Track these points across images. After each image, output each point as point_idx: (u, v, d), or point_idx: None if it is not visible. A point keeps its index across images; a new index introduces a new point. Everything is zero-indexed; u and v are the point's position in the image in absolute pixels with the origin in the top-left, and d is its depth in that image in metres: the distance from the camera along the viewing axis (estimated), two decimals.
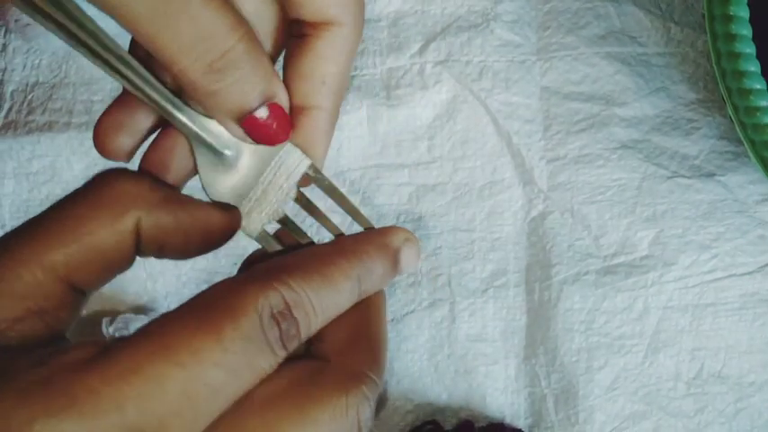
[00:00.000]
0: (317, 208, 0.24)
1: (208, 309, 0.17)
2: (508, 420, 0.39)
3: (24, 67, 0.41)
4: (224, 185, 0.23)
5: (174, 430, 0.16)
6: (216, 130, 0.22)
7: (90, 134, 0.40)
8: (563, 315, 0.39)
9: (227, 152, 0.22)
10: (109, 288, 0.40)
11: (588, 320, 0.38)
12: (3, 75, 0.41)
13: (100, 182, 0.20)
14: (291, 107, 0.22)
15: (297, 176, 0.23)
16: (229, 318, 0.17)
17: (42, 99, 0.41)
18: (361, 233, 0.23)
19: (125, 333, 0.37)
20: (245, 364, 0.17)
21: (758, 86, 0.31)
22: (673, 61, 0.40)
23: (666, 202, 0.39)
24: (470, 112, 0.40)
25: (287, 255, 0.21)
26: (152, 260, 0.39)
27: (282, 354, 0.18)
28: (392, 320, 0.39)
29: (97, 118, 0.22)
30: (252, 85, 0.20)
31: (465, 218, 0.40)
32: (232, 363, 0.17)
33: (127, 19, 0.18)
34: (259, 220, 0.23)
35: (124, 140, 0.22)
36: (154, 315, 0.40)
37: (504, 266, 0.39)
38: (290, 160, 0.23)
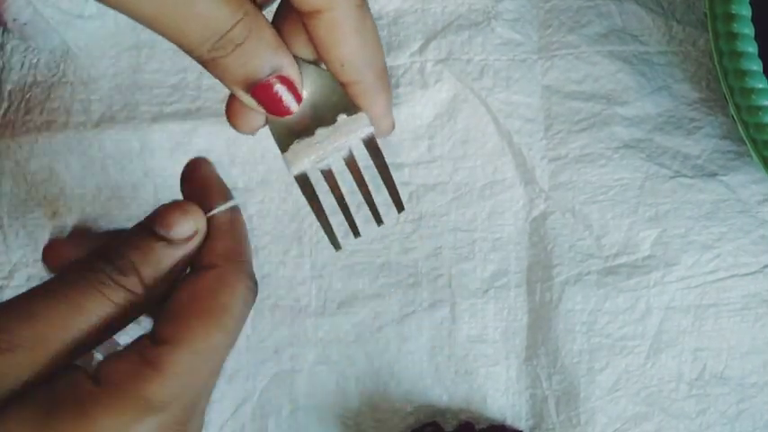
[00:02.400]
0: (360, 174, 0.26)
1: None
2: (509, 422, 0.39)
3: (22, 66, 0.41)
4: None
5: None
6: None
7: (88, 133, 0.40)
8: (564, 316, 0.38)
9: None
10: None
11: (590, 321, 0.38)
12: (0, 74, 0.41)
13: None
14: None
15: (355, 140, 0.25)
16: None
17: (40, 98, 0.41)
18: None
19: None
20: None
21: (760, 86, 0.31)
22: (675, 60, 0.40)
23: (669, 201, 0.39)
24: (471, 111, 0.40)
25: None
26: None
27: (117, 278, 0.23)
28: (392, 322, 0.39)
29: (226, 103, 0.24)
30: (256, 58, 0.22)
31: (465, 218, 0.40)
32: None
33: (138, 17, 0.20)
34: (304, 163, 0.25)
35: (256, 120, 0.24)
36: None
37: (505, 267, 0.39)
38: (355, 124, 0.25)
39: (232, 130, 0.26)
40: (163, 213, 0.24)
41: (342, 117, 0.24)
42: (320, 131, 0.24)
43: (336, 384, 0.39)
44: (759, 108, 0.31)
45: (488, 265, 0.39)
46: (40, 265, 0.40)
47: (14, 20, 0.41)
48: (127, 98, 0.41)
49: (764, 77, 0.31)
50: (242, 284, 0.24)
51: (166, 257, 0.24)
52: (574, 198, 0.39)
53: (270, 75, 0.22)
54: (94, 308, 0.22)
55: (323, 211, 0.26)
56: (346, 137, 0.25)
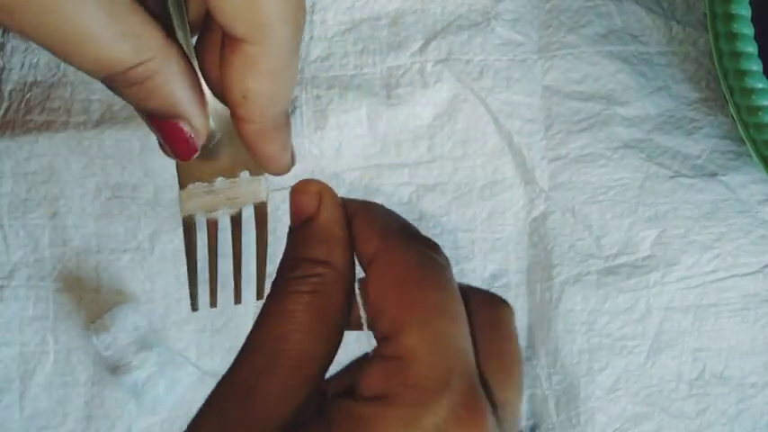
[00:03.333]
0: (239, 238, 0.25)
1: None
2: None
3: (22, 66, 0.41)
4: None
5: None
6: (212, 106, 0.23)
7: (88, 133, 0.40)
8: (564, 316, 0.38)
9: (211, 128, 0.23)
10: (107, 285, 0.39)
11: (590, 321, 0.38)
12: (1, 74, 0.41)
13: None
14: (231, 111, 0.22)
15: (245, 201, 0.25)
16: None
17: (40, 98, 0.41)
18: None
19: (112, 333, 0.37)
20: None
21: (760, 86, 0.31)
22: (674, 60, 0.40)
23: (668, 201, 0.39)
24: (471, 112, 0.40)
25: None
26: (151, 260, 0.39)
27: None
28: None
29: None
30: (155, 101, 0.21)
31: (465, 218, 0.39)
32: None
33: (36, 42, 0.20)
34: (195, 207, 0.24)
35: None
36: (148, 310, 0.39)
37: (505, 267, 0.39)
38: (253, 186, 0.24)
39: None
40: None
41: (244, 174, 0.24)
42: (220, 181, 0.24)
43: None
44: (759, 108, 0.31)
45: (488, 265, 0.39)
46: (40, 264, 0.40)
47: None
48: None
49: (764, 77, 0.31)
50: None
51: None
52: (574, 198, 0.39)
53: (172, 118, 0.21)
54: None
55: (195, 262, 0.25)
56: (242, 196, 0.25)
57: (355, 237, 0.21)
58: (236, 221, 0.25)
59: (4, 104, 0.41)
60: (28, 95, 0.41)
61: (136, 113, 0.40)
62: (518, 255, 0.39)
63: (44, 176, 0.40)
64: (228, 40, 0.20)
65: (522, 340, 0.39)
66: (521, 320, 0.39)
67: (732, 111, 0.32)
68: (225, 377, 0.19)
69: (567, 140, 0.39)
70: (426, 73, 0.40)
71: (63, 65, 0.41)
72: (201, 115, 0.22)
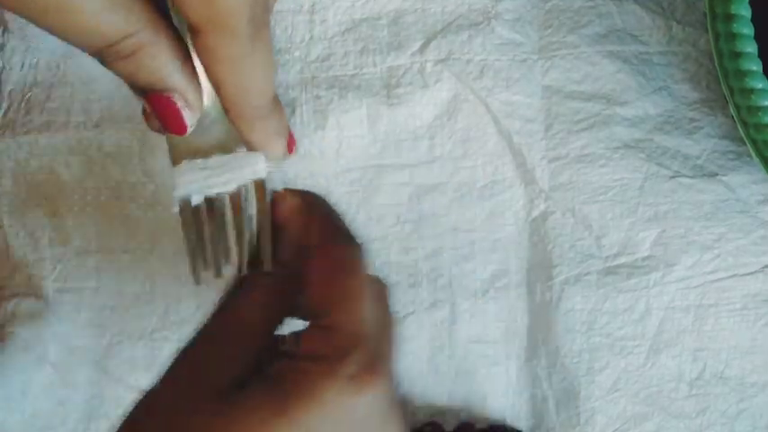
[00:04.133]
0: (240, 217, 0.24)
1: None
2: (509, 422, 0.39)
3: (22, 66, 0.41)
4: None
5: None
6: (206, 84, 0.22)
7: (88, 133, 0.40)
8: (564, 316, 0.38)
9: (205, 105, 0.22)
10: (107, 285, 0.39)
11: (590, 321, 0.38)
12: (1, 74, 0.41)
13: None
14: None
15: (242, 179, 0.24)
16: None
17: (40, 99, 0.41)
18: None
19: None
20: None
21: (760, 86, 0.31)
22: (675, 60, 0.40)
23: (668, 202, 0.39)
24: (471, 112, 0.40)
25: None
26: (151, 260, 0.39)
27: None
28: None
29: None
30: (145, 74, 0.21)
31: (466, 218, 0.40)
32: None
33: (25, 17, 0.19)
34: (189, 186, 0.23)
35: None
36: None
37: (505, 267, 0.39)
38: (250, 160, 0.24)
39: None
40: None
41: (241, 149, 0.23)
42: (216, 157, 0.23)
43: None
44: (759, 108, 0.31)
45: (488, 265, 0.39)
46: (40, 264, 0.40)
47: (15, 20, 0.41)
48: (127, 98, 0.41)
49: (764, 78, 0.31)
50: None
51: None
52: (574, 198, 0.39)
53: (163, 91, 0.21)
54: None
55: (194, 239, 0.24)
56: (239, 171, 0.23)
57: (299, 231, 0.25)
58: (235, 200, 0.24)
59: (5, 104, 0.41)
60: (28, 96, 0.41)
61: (136, 114, 0.40)
62: (518, 255, 0.39)
63: (44, 176, 0.40)
64: (190, 29, 0.20)
65: (523, 340, 0.39)
66: (521, 320, 0.39)
67: (732, 111, 0.32)
68: (180, 349, 0.23)
69: (567, 140, 0.39)
70: (426, 73, 0.40)
71: (63, 65, 0.41)
72: (194, 90, 0.22)
